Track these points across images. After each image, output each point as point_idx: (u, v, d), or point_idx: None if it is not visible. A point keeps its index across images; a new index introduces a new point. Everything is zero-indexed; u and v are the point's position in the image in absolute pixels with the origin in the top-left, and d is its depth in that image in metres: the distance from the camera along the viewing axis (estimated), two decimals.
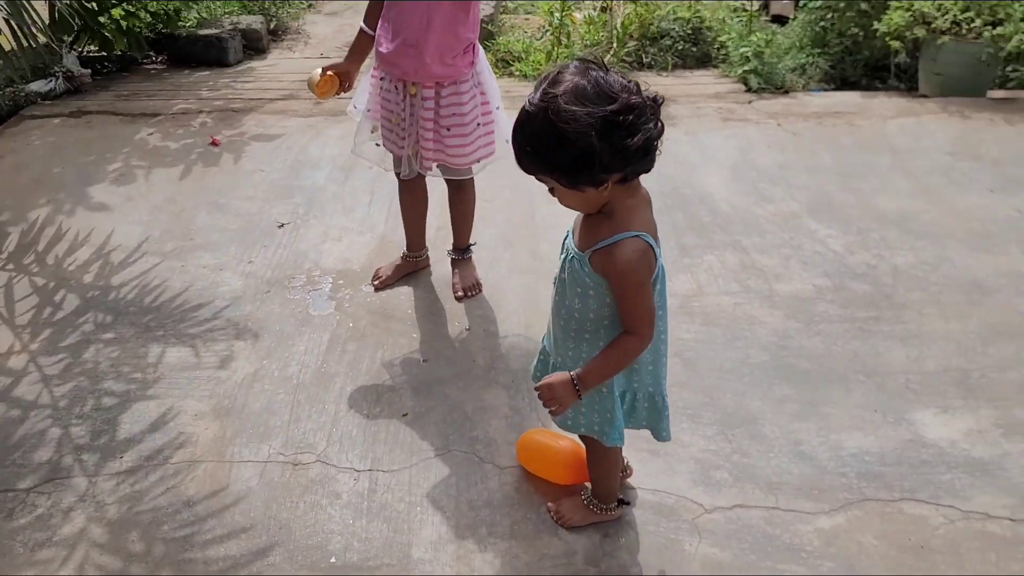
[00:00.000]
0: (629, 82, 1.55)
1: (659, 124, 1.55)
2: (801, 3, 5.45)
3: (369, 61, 2.76)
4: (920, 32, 4.28)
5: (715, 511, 2.20)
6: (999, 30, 4.13)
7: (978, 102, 4.29)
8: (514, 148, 1.61)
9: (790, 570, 2.05)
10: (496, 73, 5.02)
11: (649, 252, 1.67)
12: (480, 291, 3.03)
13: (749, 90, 4.64)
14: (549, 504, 2.22)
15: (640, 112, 1.52)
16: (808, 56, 4.88)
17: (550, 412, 1.81)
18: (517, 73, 5.05)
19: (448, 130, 2.64)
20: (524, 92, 4.11)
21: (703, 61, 5.18)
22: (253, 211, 3.55)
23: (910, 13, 4.35)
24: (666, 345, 1.92)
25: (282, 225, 3.46)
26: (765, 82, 4.65)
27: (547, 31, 5.35)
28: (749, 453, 2.37)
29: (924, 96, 4.47)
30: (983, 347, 2.71)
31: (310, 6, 6.67)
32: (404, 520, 2.21)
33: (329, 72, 2.71)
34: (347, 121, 4.26)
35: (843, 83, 4.88)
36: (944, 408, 2.49)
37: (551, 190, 1.66)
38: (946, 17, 4.22)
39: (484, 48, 5.14)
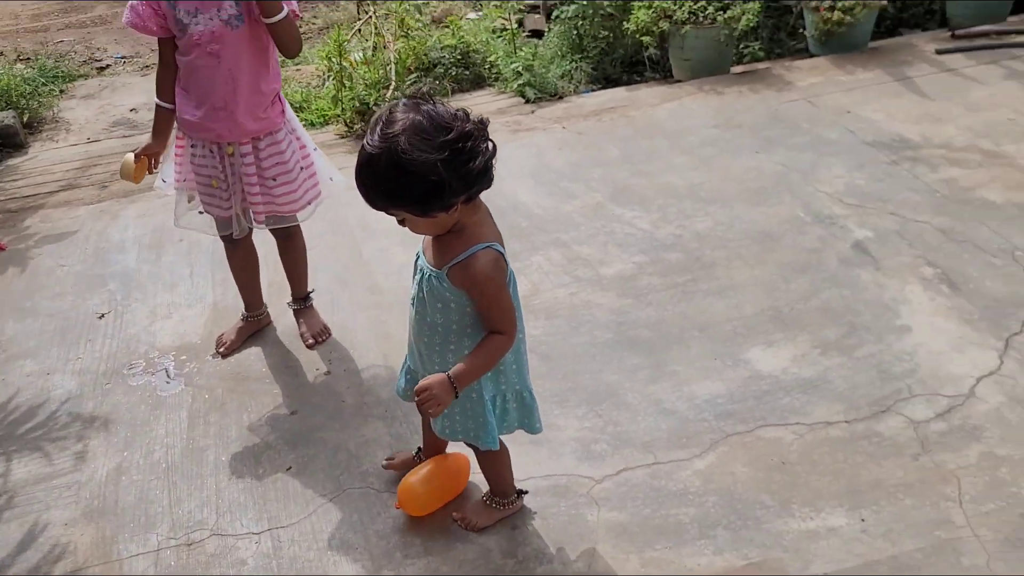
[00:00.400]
0: (458, 111, 1.69)
1: (491, 144, 1.71)
2: (553, 16, 5.86)
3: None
4: (665, 25, 4.75)
5: (604, 480, 2.38)
6: (729, 13, 4.67)
7: (724, 78, 4.81)
8: (361, 188, 1.70)
9: (682, 513, 2.27)
10: None
11: (501, 259, 1.83)
12: (329, 335, 3.06)
13: (528, 101, 4.93)
14: (454, 514, 2.31)
15: (475, 137, 1.67)
16: (571, 62, 5.25)
17: (429, 413, 1.88)
18: (304, 122, 5.07)
19: (274, 180, 2.68)
20: (317, 140, 4.15)
21: (478, 83, 5.44)
22: (66, 307, 3.37)
23: (652, 10, 4.82)
24: (525, 344, 2.08)
25: (103, 315, 3.31)
26: (540, 92, 4.96)
27: (328, 77, 5.43)
28: (619, 422, 2.57)
29: (679, 81, 4.95)
30: (785, 285, 3.08)
31: (61, 92, 6.33)
32: (318, 567, 2.22)
33: (143, 156, 2.68)
34: (142, 200, 4.14)
35: (607, 81, 5.29)
36: (769, 343, 2.82)
37: (401, 221, 1.78)
38: (683, 9, 4.71)
39: None
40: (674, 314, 2.99)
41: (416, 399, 1.88)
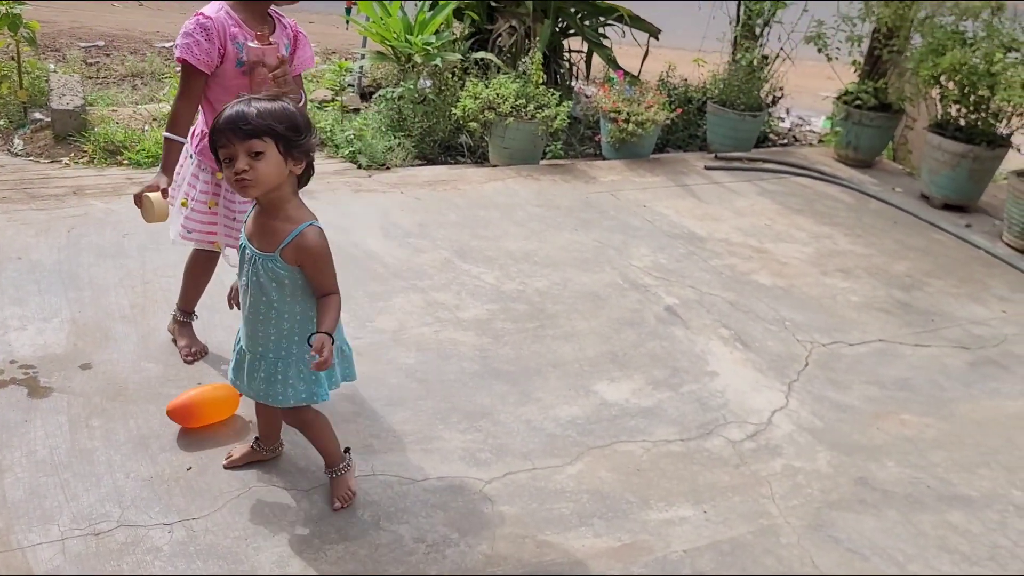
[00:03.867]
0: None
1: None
2: (375, 95, 6.29)
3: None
4: (491, 115, 5.34)
5: (493, 481, 2.72)
6: (545, 112, 5.36)
7: (537, 168, 5.46)
8: (248, 121, 2.10)
9: (563, 507, 2.65)
10: (102, 162, 4.97)
11: (323, 231, 2.25)
12: (206, 353, 3.15)
13: (359, 167, 5.27)
14: (335, 505, 2.53)
15: (312, 131, 2.23)
16: (394, 138, 5.68)
17: (319, 366, 2.20)
18: (127, 162, 5.03)
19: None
20: (141, 178, 4.15)
21: None
22: None
23: (479, 101, 5.40)
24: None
25: None
26: (371, 161, 5.32)
27: (152, 119, 5.41)
28: (498, 436, 2.93)
29: (495, 166, 5.54)
30: (616, 335, 3.64)
31: None
32: (240, 552, 2.33)
33: (160, 190, 2.71)
34: None
35: (426, 159, 5.77)
36: (612, 379, 3.33)
37: (245, 168, 2.12)
38: (507, 103, 5.34)
39: (78, 140, 5.07)
40: (530, 352, 3.43)
41: (317, 357, 2.18)
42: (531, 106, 5.38)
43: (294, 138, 2.15)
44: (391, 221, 4.43)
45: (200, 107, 2.85)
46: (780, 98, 6.63)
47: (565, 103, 5.53)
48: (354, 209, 4.51)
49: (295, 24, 2.97)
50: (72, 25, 8.29)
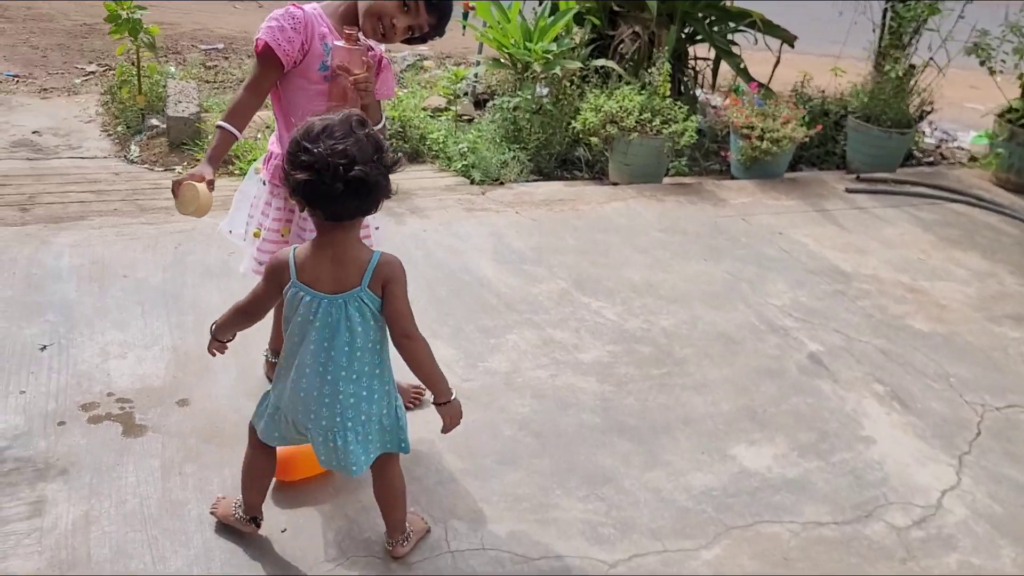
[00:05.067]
0: (346, 140, 1.85)
1: (334, 185, 1.83)
2: (489, 104, 6.03)
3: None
4: (613, 130, 5.00)
5: (618, 564, 2.39)
6: (673, 128, 4.98)
7: (660, 187, 5.09)
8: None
9: None
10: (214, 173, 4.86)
11: (280, 257, 2.03)
12: None
13: (472, 182, 5.01)
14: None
15: (313, 161, 1.83)
16: (509, 151, 5.40)
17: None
18: (239, 172, 4.91)
19: None
20: None
21: (413, 157, 5.48)
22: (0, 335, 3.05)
23: (601, 114, 5.06)
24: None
25: (45, 347, 3.02)
26: (484, 175, 5.05)
27: (266, 127, 5.30)
28: (622, 506, 2.59)
29: (615, 183, 5.19)
30: (755, 387, 3.25)
31: None
32: None
33: (206, 180, 2.33)
34: (73, 228, 3.86)
35: (541, 174, 5.47)
36: (751, 441, 2.95)
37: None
38: (632, 118, 4.98)
39: (192, 149, 4.98)
40: (657, 405, 3.08)
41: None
42: (657, 120, 5.01)
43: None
44: (505, 244, 4.15)
45: (277, 119, 2.60)
46: (929, 112, 6.04)
47: (693, 117, 5.13)
48: (466, 229, 4.25)
49: (382, 51, 2.69)
50: (193, 27, 8.36)
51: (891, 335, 3.69)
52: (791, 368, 3.38)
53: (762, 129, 5.18)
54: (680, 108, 5.15)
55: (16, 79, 6.39)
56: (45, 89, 6.25)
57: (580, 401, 3.05)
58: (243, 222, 2.69)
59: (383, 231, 2.80)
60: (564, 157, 5.61)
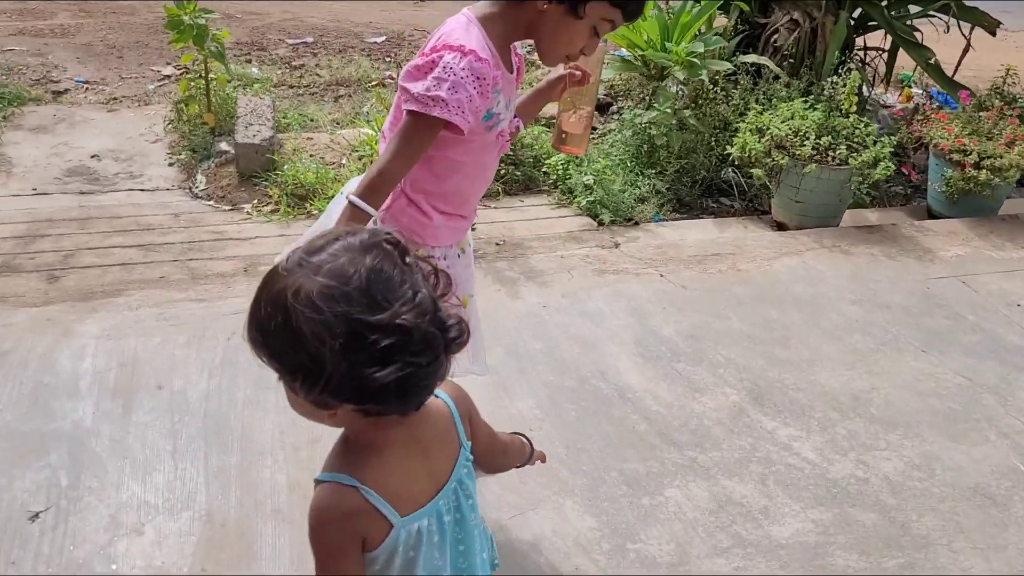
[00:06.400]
0: (419, 293, 1.08)
1: (433, 362, 1.09)
2: (613, 113, 5.01)
3: None
4: (783, 159, 3.90)
5: None
6: (862, 157, 3.85)
7: (844, 233, 3.99)
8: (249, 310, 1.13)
9: None
10: (288, 213, 4.02)
11: (362, 516, 1.16)
12: None
13: (601, 224, 4.02)
14: None
15: (408, 340, 1.05)
16: (640, 176, 4.37)
17: None
18: (317, 212, 4.05)
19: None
20: None
21: (527, 186, 4.51)
22: None
23: (765, 138, 3.97)
24: None
25: (37, 515, 2.21)
26: (615, 215, 4.05)
27: (352, 150, 4.44)
28: None
29: (782, 224, 4.11)
30: None
31: (5, 118, 5.13)
32: None
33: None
34: (105, 307, 3.06)
35: (680, 205, 4.43)
36: None
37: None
38: (809, 144, 3.88)
39: (264, 182, 4.16)
40: None
41: None
42: (842, 147, 3.88)
43: (291, 379, 1.11)
44: (651, 329, 3.14)
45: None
46: None
47: (885, 139, 3.98)
48: (598, 305, 3.26)
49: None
50: (283, 17, 7.59)
51: None
52: None
53: (978, 154, 3.99)
54: (868, 127, 4.01)
55: (86, 86, 5.71)
56: (115, 99, 5.54)
57: None
58: None
59: (494, 310, 2.03)
60: (710, 182, 4.55)
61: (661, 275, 3.52)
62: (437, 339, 1.08)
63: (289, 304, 1.04)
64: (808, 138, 3.90)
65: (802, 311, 3.32)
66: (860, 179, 3.89)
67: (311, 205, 4.05)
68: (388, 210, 1.93)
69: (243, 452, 2.46)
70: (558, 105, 2.10)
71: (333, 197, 3.16)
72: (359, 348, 1.03)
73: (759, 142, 3.97)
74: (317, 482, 1.19)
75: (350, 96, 5.76)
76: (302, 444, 2.50)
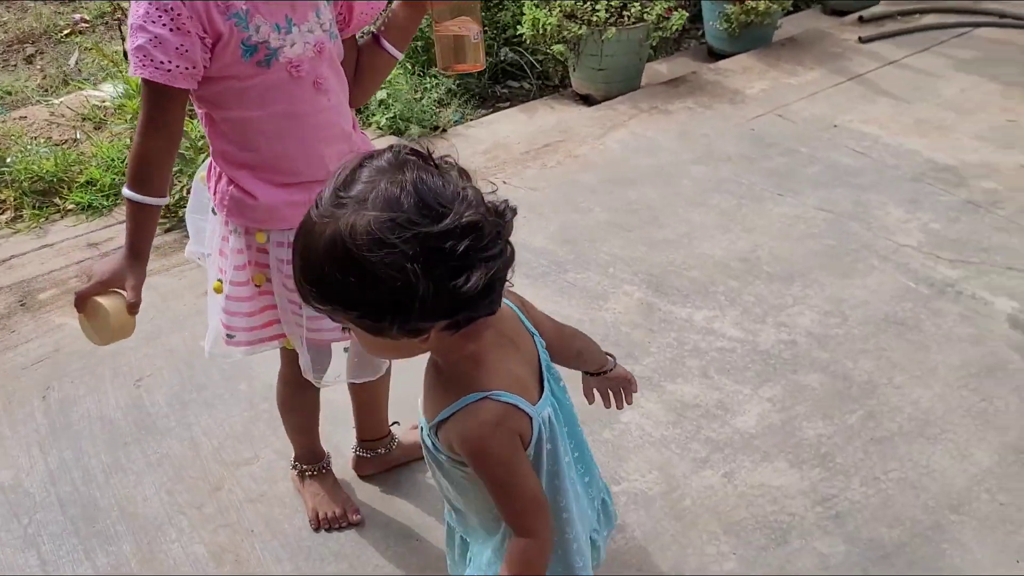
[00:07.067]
0: (464, 189, 1.03)
1: (509, 249, 1.07)
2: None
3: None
4: (580, 29, 3.68)
5: None
6: (657, 9, 3.72)
7: (648, 92, 3.89)
8: (294, 270, 1.08)
9: None
10: (36, 216, 3.28)
11: (509, 416, 1.17)
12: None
13: (411, 139, 3.65)
14: None
15: (479, 236, 1.02)
16: (425, 79, 4.02)
17: None
18: (74, 207, 3.34)
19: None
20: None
21: None
22: None
23: (556, 10, 3.73)
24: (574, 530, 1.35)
25: None
26: (420, 126, 3.69)
27: (84, 119, 3.67)
28: None
29: (588, 97, 3.94)
30: (986, 403, 2.26)
31: None
32: None
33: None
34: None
35: (471, 96, 4.14)
36: None
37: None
38: (601, 7, 3.68)
39: None
40: (899, 490, 2.05)
41: None
42: (635, 4, 3.73)
43: (374, 319, 1.05)
44: (520, 244, 2.87)
45: (208, 134, 1.60)
46: None
47: None
48: None
49: None
50: None
51: None
52: (1000, 350, 2.41)
53: None
54: None
55: None
56: None
57: (797, 523, 1.98)
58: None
59: None
60: (494, 67, 4.28)
61: (504, 182, 3.25)
62: (500, 225, 1.05)
63: (351, 247, 0.98)
64: (599, 2, 3.70)
65: (655, 185, 3.20)
66: (659, 33, 3.78)
67: (64, 200, 3.33)
68: (215, 195, 1.63)
69: (134, 534, 1.98)
70: (431, 16, 1.70)
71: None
72: (439, 261, 0.99)
73: (550, 16, 3.72)
74: (438, 424, 1.18)
75: (42, 53, 4.81)
76: (203, 498, 2.06)
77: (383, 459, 2.10)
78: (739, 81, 3.92)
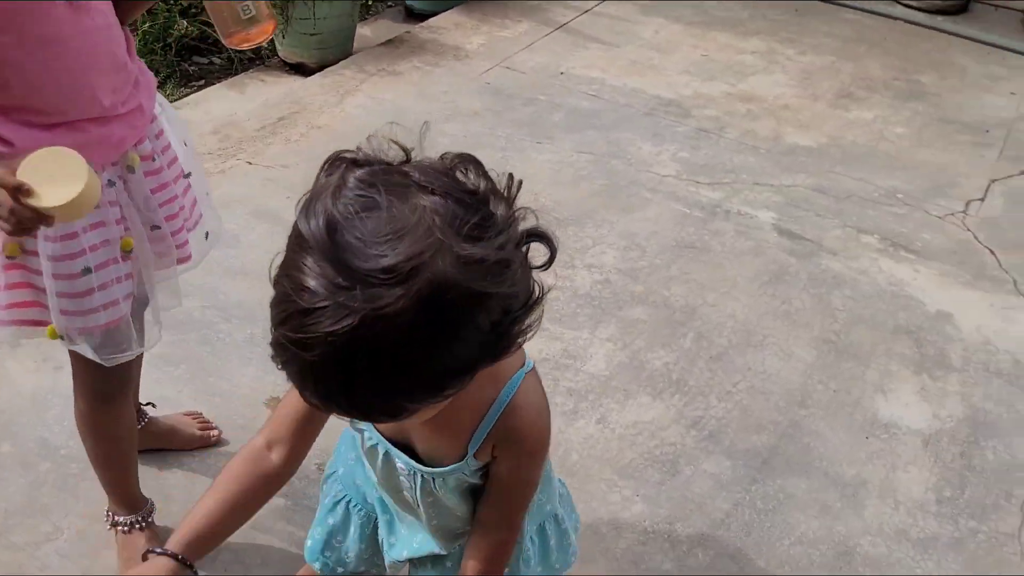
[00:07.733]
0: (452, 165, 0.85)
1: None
2: None
3: None
4: None
5: None
6: None
7: (368, 57, 3.68)
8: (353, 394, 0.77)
9: None
10: None
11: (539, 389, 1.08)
12: None
13: None
14: None
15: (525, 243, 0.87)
16: None
17: None
18: None
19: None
20: None
21: None
22: None
23: None
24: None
25: None
26: None
27: None
28: None
29: (298, 64, 3.64)
30: (789, 308, 2.45)
31: None
32: None
33: None
34: None
35: (187, 82, 3.66)
36: (885, 391, 2.21)
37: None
38: None
39: None
40: (746, 393, 2.15)
41: None
42: None
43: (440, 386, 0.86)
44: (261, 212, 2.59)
45: None
46: None
47: None
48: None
49: None
50: None
51: (797, 166, 3.11)
52: (780, 257, 2.64)
53: None
54: None
55: None
56: None
57: (680, 451, 2.00)
58: None
59: None
60: (178, 43, 3.80)
61: (249, 163, 2.89)
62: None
63: (473, 288, 0.75)
64: None
65: (413, 145, 3.04)
66: None
67: None
68: None
69: None
70: None
71: None
72: (511, 285, 0.79)
73: None
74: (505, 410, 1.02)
75: None
76: None
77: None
78: (456, 37, 3.85)
